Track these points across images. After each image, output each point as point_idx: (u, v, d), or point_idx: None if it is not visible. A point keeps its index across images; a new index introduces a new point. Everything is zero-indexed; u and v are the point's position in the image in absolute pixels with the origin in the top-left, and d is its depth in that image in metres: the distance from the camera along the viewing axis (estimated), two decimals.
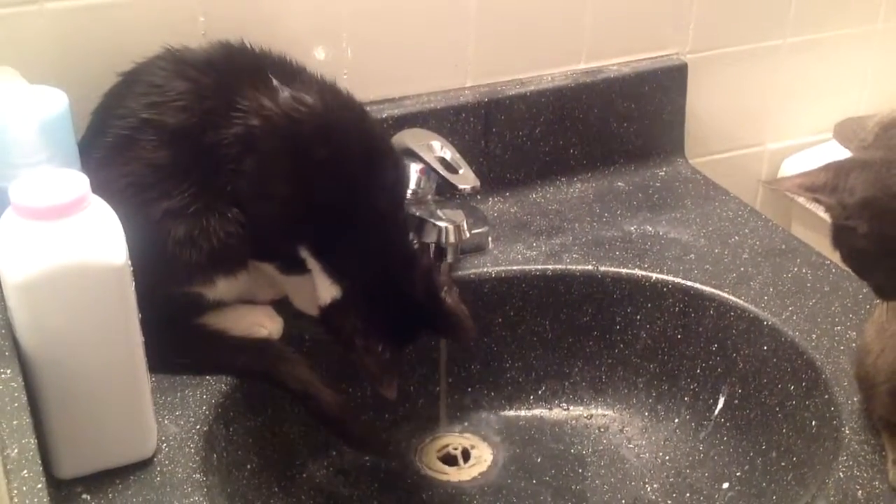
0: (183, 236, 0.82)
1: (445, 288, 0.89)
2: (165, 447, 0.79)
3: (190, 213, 0.83)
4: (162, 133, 0.83)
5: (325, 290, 0.87)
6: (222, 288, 0.88)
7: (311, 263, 0.88)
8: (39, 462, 0.60)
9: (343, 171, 0.85)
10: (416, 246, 0.91)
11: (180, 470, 0.77)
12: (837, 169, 0.74)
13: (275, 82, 0.84)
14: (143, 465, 0.77)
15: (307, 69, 0.89)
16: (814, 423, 0.88)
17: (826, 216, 0.79)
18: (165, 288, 0.84)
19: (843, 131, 0.82)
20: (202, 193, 0.83)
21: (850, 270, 0.97)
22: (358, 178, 0.85)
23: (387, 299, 0.86)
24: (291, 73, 0.88)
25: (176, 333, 0.86)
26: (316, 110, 0.84)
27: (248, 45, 0.88)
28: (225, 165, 0.83)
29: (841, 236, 0.75)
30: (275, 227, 0.86)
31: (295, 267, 0.91)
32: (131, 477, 0.76)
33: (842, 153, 0.86)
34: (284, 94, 0.84)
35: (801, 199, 1.25)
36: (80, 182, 0.70)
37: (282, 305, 0.95)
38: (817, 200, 0.74)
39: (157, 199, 0.83)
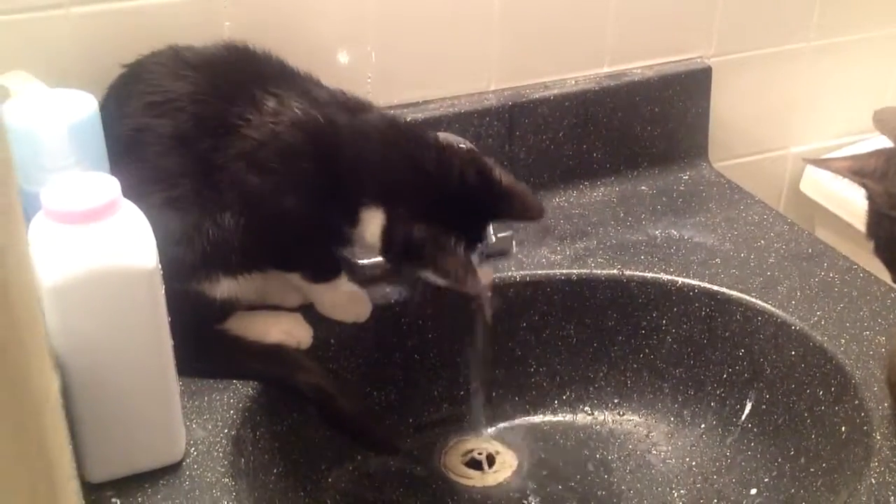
0: (177, 233, 0.82)
1: (497, 169, 0.87)
2: (194, 451, 0.79)
3: (186, 210, 0.82)
4: (161, 137, 0.83)
5: (371, 227, 0.85)
6: (229, 287, 0.86)
7: (358, 224, 0.86)
8: (74, 466, 0.60)
9: (338, 149, 0.84)
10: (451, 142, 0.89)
11: (209, 474, 0.77)
12: (889, 156, 0.73)
13: (257, 95, 0.84)
14: (173, 468, 0.77)
15: (299, 72, 0.89)
16: (843, 428, 0.87)
17: (859, 224, 0.79)
18: (169, 284, 0.83)
19: (883, 118, 0.80)
20: (199, 195, 0.83)
21: (879, 275, 0.97)
22: (351, 140, 0.85)
23: (437, 198, 0.84)
24: (284, 76, 0.88)
25: (195, 337, 0.85)
26: (299, 112, 0.84)
27: (251, 48, 0.88)
28: (219, 171, 0.83)
29: (880, 225, 0.75)
30: (299, 227, 0.86)
31: (319, 276, 0.91)
32: (161, 481, 0.76)
33: (880, 142, 0.85)
34: (269, 102, 0.84)
35: (828, 205, 1.25)
36: (111, 186, 0.70)
37: (310, 310, 0.95)
38: (864, 185, 0.74)
39: (158, 193, 0.82)
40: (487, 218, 0.88)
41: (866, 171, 0.73)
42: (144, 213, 0.74)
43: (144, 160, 0.83)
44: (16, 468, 0.31)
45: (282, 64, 0.89)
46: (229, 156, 0.83)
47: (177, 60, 0.86)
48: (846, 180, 0.76)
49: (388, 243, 0.85)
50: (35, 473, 0.31)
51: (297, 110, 0.84)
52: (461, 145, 0.92)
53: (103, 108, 0.85)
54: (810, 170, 1.31)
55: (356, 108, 0.88)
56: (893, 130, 0.78)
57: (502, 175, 0.87)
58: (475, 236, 0.87)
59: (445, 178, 0.85)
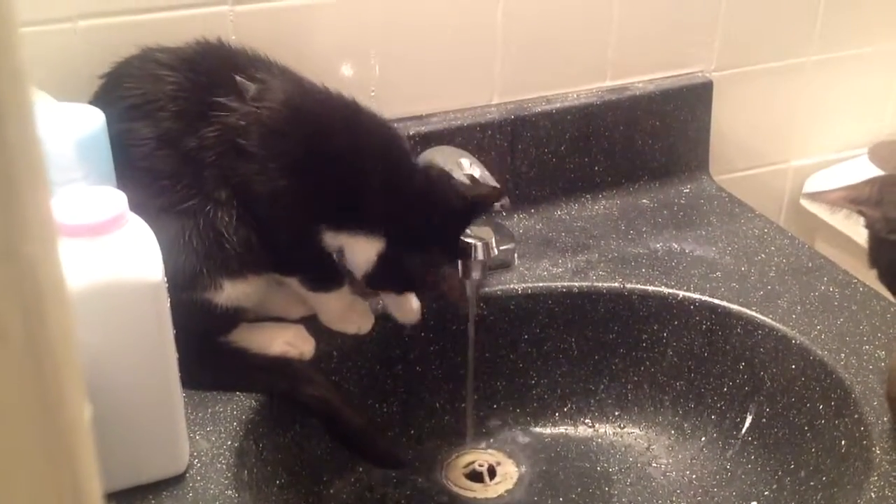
0: (176, 236, 0.82)
1: (461, 185, 0.92)
2: (197, 463, 0.79)
3: (181, 212, 0.83)
4: (146, 139, 0.84)
5: (365, 253, 0.89)
6: (233, 293, 0.86)
7: (341, 239, 0.88)
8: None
9: (328, 138, 0.87)
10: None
11: (212, 486, 0.78)
12: (883, 182, 0.74)
13: (238, 79, 0.85)
14: (176, 480, 0.78)
15: (275, 62, 0.90)
16: (843, 442, 0.88)
17: (859, 238, 0.79)
18: (173, 293, 0.81)
19: (880, 153, 0.82)
20: (190, 194, 0.83)
21: (879, 290, 0.97)
22: (343, 135, 0.88)
23: (428, 225, 0.89)
24: (261, 64, 0.88)
25: (199, 349, 0.85)
26: (285, 95, 0.85)
27: (224, 42, 0.89)
28: (208, 167, 0.83)
29: (881, 252, 0.75)
30: (289, 219, 0.87)
31: (320, 282, 0.92)
32: (164, 493, 0.77)
33: (872, 171, 0.86)
34: (251, 90, 0.85)
35: (829, 219, 1.25)
36: (117, 200, 0.71)
37: (312, 322, 0.95)
38: (861, 213, 0.74)
39: (152, 197, 0.82)
40: (464, 229, 0.94)
41: (862, 198, 0.74)
42: (142, 219, 0.74)
43: (132, 163, 0.83)
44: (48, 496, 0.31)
45: (257, 54, 0.90)
46: (215, 148, 0.83)
47: (151, 62, 0.86)
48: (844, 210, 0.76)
49: (382, 271, 0.90)
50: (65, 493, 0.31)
51: (279, 93, 0.85)
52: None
53: None
54: (810, 183, 1.31)
55: (342, 104, 0.89)
56: (890, 163, 0.79)
57: (474, 185, 0.93)
58: (457, 251, 0.93)
59: (434, 205, 0.89)
